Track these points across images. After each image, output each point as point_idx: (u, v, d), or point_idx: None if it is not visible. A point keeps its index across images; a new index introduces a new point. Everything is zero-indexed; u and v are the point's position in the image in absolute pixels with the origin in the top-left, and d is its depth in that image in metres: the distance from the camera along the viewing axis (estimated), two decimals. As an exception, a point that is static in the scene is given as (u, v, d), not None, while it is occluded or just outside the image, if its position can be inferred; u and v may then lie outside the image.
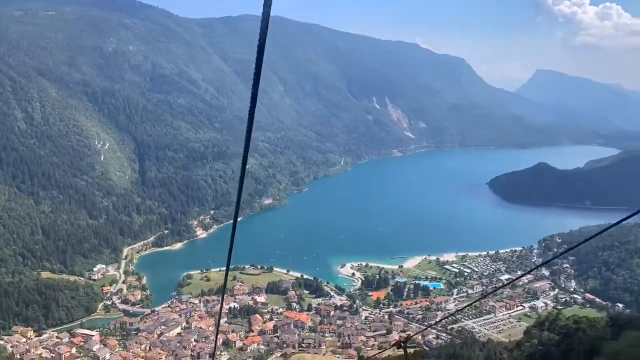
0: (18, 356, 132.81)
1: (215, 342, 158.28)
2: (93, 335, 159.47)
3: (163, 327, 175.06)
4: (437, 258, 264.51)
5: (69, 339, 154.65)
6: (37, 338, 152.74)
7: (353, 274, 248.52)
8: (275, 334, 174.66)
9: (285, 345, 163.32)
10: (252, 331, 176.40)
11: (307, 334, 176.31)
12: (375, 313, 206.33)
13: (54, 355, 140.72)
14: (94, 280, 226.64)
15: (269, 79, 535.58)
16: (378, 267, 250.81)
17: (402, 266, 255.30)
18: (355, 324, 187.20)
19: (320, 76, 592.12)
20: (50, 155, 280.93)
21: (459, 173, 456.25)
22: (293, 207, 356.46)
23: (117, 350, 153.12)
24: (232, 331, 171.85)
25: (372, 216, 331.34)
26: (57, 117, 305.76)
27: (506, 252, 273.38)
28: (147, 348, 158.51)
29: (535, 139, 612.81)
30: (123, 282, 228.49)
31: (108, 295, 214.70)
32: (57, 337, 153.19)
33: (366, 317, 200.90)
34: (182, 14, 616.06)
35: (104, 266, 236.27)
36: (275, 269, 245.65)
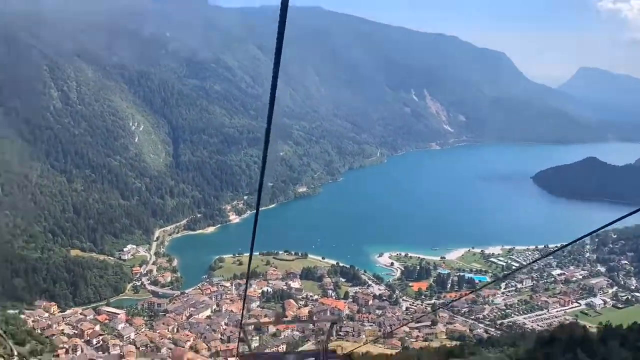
0: (39, 331, 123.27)
1: (241, 324, 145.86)
2: (119, 314, 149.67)
3: (192, 309, 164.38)
4: (481, 250, 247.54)
5: (93, 316, 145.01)
6: (60, 314, 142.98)
7: (392, 263, 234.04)
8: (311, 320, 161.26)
9: (321, 333, 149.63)
10: (286, 316, 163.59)
11: (345, 322, 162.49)
12: (417, 304, 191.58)
13: (76, 331, 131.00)
14: (124, 260, 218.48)
15: (304, 68, 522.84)
16: (418, 257, 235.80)
17: (444, 257, 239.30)
18: (397, 314, 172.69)
19: (357, 67, 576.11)
20: (84, 134, 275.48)
21: (501, 167, 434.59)
22: (328, 196, 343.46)
23: (143, 330, 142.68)
24: (265, 316, 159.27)
25: (410, 207, 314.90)
26: (93, 98, 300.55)
27: (556, 246, 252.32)
28: (175, 329, 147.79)
29: (579, 134, 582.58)
30: (153, 264, 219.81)
31: (137, 276, 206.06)
32: (81, 314, 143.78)
33: (407, 308, 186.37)
34: (220, 3, 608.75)
35: (134, 247, 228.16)
36: (310, 255, 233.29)
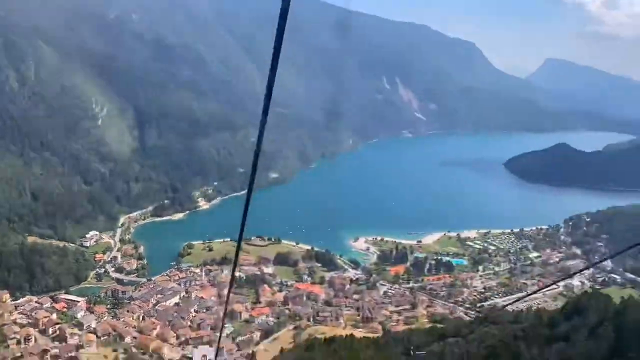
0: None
1: (224, 315, 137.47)
2: (78, 302, 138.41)
3: (159, 296, 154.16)
4: (457, 234, 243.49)
5: (50, 304, 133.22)
6: (13, 302, 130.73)
7: (368, 248, 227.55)
8: (286, 306, 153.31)
9: (298, 318, 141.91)
10: (260, 302, 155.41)
11: (322, 307, 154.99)
12: (395, 288, 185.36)
13: (30, 320, 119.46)
14: (86, 247, 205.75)
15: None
16: (394, 241, 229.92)
17: (420, 241, 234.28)
18: (376, 298, 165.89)
19: (329, 54, 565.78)
20: (43, 117, 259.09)
21: (473, 154, 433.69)
22: (301, 182, 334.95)
23: (105, 318, 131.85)
24: (237, 302, 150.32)
25: (384, 193, 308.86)
26: (53, 79, 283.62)
27: (531, 230, 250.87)
28: (141, 318, 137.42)
29: (549, 123, 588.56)
30: (118, 250, 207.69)
31: (101, 263, 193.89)
32: (36, 302, 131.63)
33: (385, 292, 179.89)
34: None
35: (97, 233, 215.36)
36: (283, 241, 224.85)
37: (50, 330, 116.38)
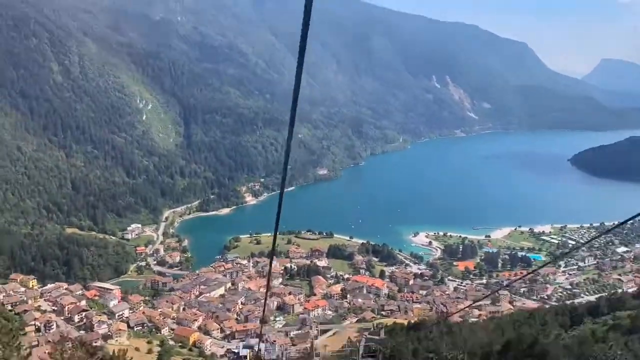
0: (9, 307, 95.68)
1: (264, 308, 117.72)
2: (112, 290, 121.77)
3: (203, 287, 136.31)
4: (530, 229, 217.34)
5: (81, 292, 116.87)
6: (40, 289, 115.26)
7: (430, 242, 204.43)
8: (345, 299, 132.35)
9: (359, 311, 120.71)
10: (315, 294, 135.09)
11: (386, 300, 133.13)
12: (466, 284, 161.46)
13: (55, 307, 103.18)
14: (127, 240, 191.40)
15: (322, 55, 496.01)
16: (459, 236, 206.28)
17: (489, 236, 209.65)
18: (447, 293, 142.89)
19: (376, 54, 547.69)
20: (86, 109, 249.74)
21: (535, 152, 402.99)
22: (350, 179, 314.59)
23: (141, 308, 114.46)
24: (290, 294, 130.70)
25: (441, 190, 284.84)
26: (97, 73, 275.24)
27: (613, 224, 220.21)
28: (181, 308, 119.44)
29: (611, 121, 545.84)
30: (161, 243, 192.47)
31: (142, 256, 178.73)
32: (66, 289, 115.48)
33: (455, 288, 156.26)
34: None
35: (139, 226, 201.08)
36: (335, 235, 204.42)
37: (76, 318, 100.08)
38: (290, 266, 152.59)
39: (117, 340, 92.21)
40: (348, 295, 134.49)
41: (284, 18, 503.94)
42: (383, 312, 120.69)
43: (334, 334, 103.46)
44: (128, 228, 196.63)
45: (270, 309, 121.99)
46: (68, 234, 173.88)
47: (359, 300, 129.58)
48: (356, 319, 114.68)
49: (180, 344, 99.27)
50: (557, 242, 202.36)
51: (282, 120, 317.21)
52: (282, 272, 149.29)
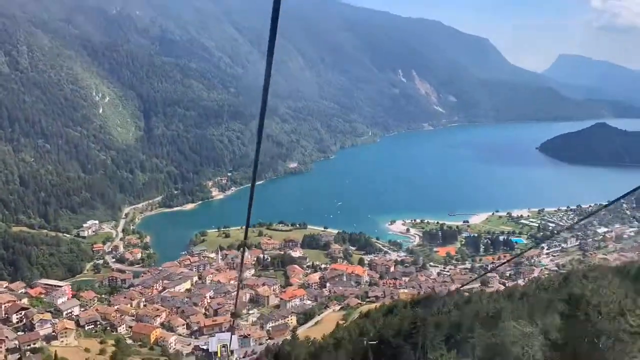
0: None
1: (237, 297, 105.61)
2: (61, 287, 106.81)
3: (166, 281, 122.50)
4: (508, 213, 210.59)
5: (24, 290, 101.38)
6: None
7: (407, 230, 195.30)
8: (324, 288, 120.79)
9: (342, 298, 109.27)
10: (291, 284, 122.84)
11: (369, 287, 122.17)
12: (449, 269, 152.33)
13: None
14: (83, 237, 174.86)
15: (287, 50, 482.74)
16: (437, 223, 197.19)
17: (467, 222, 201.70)
18: (433, 278, 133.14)
19: (341, 49, 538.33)
20: (36, 102, 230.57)
21: (502, 142, 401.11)
22: (321, 172, 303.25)
23: (94, 305, 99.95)
24: (263, 284, 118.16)
25: (413, 180, 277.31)
26: (48, 65, 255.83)
27: (591, 206, 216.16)
28: (141, 304, 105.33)
29: (573, 112, 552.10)
30: (120, 240, 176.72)
31: (100, 254, 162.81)
32: (5, 287, 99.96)
33: (439, 273, 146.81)
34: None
35: (96, 222, 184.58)
36: (309, 226, 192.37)
37: (15, 318, 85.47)
38: (263, 256, 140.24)
39: (62, 341, 77.93)
40: (327, 284, 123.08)
41: (247, 13, 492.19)
42: (369, 299, 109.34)
43: (315, 323, 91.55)
44: (84, 225, 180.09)
45: (243, 301, 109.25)
46: (14, 232, 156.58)
47: (340, 288, 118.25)
48: (339, 306, 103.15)
49: (139, 343, 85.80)
50: (537, 225, 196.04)
51: (248, 113, 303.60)
52: (254, 263, 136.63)
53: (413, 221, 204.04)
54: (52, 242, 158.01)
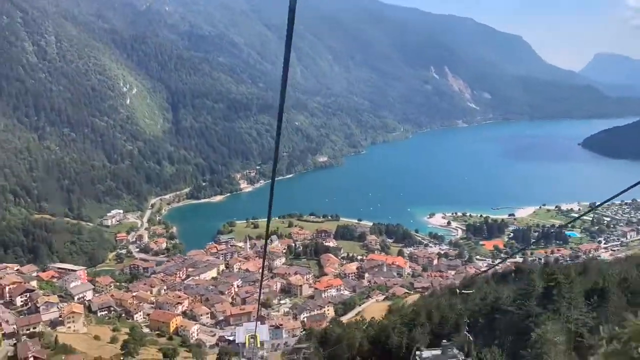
0: None
1: (260, 287, 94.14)
2: (75, 271, 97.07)
3: (191, 269, 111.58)
4: (556, 207, 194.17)
5: (35, 273, 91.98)
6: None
7: (448, 222, 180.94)
8: (362, 278, 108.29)
9: (386, 288, 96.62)
10: (326, 274, 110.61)
11: (414, 278, 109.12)
12: (498, 262, 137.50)
13: (-8, 288, 78.35)
14: (107, 226, 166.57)
15: (316, 47, 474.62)
16: (480, 216, 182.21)
17: (513, 215, 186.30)
18: (483, 271, 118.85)
19: (371, 46, 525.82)
20: (63, 91, 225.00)
21: (542, 139, 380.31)
22: (352, 166, 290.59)
23: (110, 290, 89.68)
24: (295, 273, 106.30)
25: (451, 175, 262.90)
26: (76, 55, 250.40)
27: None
28: (162, 291, 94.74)
29: (613, 109, 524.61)
30: (145, 229, 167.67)
31: (123, 244, 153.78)
32: (17, 270, 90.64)
33: (488, 266, 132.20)
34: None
35: (120, 212, 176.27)
36: (342, 218, 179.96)
37: (19, 301, 75.87)
38: (295, 245, 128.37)
39: (69, 327, 67.54)
40: (366, 274, 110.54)
41: (276, 10, 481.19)
42: (415, 289, 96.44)
43: (357, 314, 79.18)
44: (108, 214, 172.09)
45: (273, 290, 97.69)
46: (35, 219, 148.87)
47: (381, 278, 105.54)
48: (383, 296, 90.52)
49: (157, 332, 74.88)
50: (590, 218, 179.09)
51: (277, 106, 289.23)
52: (285, 251, 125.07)
53: (454, 214, 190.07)
54: (73, 230, 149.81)
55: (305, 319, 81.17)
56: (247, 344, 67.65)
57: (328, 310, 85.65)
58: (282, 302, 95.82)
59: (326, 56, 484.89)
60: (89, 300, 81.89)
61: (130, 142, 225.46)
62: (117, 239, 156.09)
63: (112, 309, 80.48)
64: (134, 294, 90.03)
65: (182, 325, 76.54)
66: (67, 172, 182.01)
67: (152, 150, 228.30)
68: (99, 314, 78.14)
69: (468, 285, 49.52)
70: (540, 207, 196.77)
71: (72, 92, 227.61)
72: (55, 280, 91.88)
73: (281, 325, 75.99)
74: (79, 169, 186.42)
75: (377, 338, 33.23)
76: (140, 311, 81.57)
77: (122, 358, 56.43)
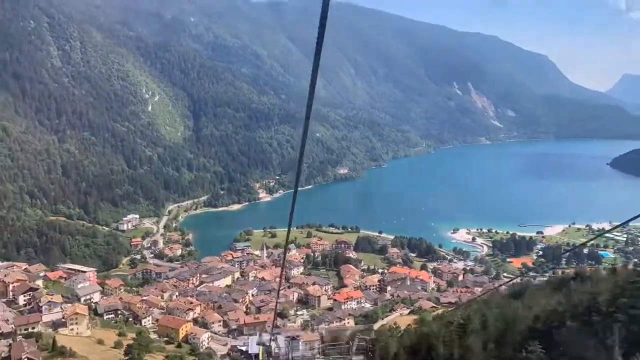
0: None
1: (277, 295, 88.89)
2: (85, 272, 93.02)
3: (204, 275, 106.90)
4: (587, 226, 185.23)
5: (43, 273, 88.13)
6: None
7: (473, 239, 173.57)
8: (384, 291, 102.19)
9: (410, 302, 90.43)
10: (345, 286, 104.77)
11: (439, 293, 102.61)
12: (526, 280, 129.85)
13: (-3, 287, 74.41)
14: (122, 231, 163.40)
15: (339, 61, 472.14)
16: (507, 233, 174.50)
17: (541, 232, 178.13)
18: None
19: (395, 61, 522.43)
20: (86, 95, 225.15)
21: (569, 158, 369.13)
22: (373, 180, 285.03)
23: (119, 293, 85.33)
24: (314, 284, 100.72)
25: (475, 192, 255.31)
26: (100, 61, 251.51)
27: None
28: (173, 297, 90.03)
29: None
30: (161, 235, 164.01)
31: (138, 249, 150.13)
32: (24, 270, 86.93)
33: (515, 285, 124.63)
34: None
35: (136, 217, 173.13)
36: (362, 230, 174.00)
37: (22, 300, 71.89)
38: (314, 254, 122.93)
39: (72, 329, 63.00)
40: (388, 287, 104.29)
41: (301, 25, 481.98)
42: (442, 304, 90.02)
43: (381, 327, 73.03)
44: (124, 219, 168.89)
45: (290, 300, 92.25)
46: (50, 221, 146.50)
47: (405, 292, 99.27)
48: (408, 310, 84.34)
49: (166, 339, 69.85)
50: (623, 238, 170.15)
51: (298, 117, 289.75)
52: (303, 260, 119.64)
53: (479, 230, 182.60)
54: (88, 233, 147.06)
55: (324, 331, 75.58)
56: (260, 356, 61.85)
57: (348, 322, 79.84)
58: (299, 312, 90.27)
59: (349, 70, 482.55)
60: (96, 302, 77.62)
61: (150, 148, 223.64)
62: (131, 244, 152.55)
63: (119, 312, 75.99)
64: (144, 298, 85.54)
65: (192, 333, 71.56)
66: (85, 175, 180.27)
67: (171, 156, 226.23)
68: (105, 317, 73.73)
69: (520, 292, 43.58)
70: (569, 226, 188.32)
71: (95, 97, 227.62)
72: (63, 281, 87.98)
73: (298, 337, 70.50)
74: (97, 172, 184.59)
75: (415, 347, 27.88)
76: (149, 316, 76.94)
77: (124, 364, 51.53)
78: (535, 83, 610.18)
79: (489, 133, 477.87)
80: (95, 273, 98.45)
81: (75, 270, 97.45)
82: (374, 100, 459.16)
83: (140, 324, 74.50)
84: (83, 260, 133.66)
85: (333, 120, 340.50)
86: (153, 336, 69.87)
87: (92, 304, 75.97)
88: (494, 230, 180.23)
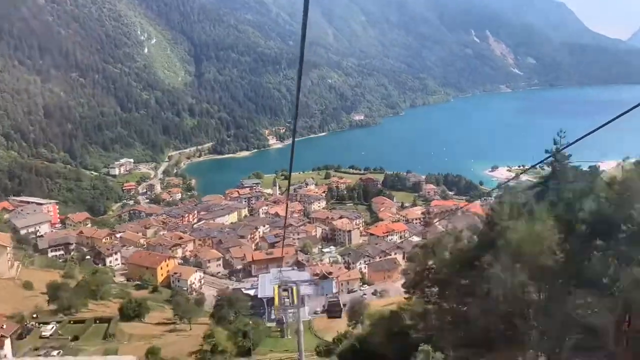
0: None
1: (284, 226, 65.09)
2: (42, 204, 70.13)
3: (203, 212, 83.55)
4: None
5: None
6: None
7: (517, 175, 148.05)
8: (428, 226, 78.57)
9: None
10: (381, 219, 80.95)
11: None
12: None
13: None
14: (113, 176, 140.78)
15: (349, 8, 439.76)
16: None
17: (597, 167, 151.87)
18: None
19: (408, 7, 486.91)
20: (73, 35, 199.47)
21: (598, 102, 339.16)
22: (391, 126, 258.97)
23: (85, 227, 62.33)
24: (341, 217, 76.97)
25: (507, 134, 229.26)
26: (89, 0, 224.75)
27: None
28: (157, 232, 67.05)
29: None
30: (159, 180, 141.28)
31: (131, 194, 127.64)
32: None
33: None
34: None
35: (130, 161, 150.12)
36: (388, 171, 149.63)
37: None
38: (337, 187, 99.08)
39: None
40: (434, 218, 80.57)
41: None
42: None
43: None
44: (115, 163, 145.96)
45: (312, 236, 68.82)
46: (25, 162, 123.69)
47: (460, 223, 75.32)
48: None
49: (137, 282, 46.73)
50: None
51: (308, 60, 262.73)
52: (324, 193, 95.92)
53: (521, 167, 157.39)
54: (70, 176, 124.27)
55: (365, 267, 52.43)
56: (276, 300, 34.73)
57: (396, 256, 56.78)
58: (325, 250, 67.06)
59: (359, 18, 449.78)
60: (39, 236, 55.07)
61: (147, 91, 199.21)
62: (124, 188, 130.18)
63: (72, 248, 53.45)
64: (119, 234, 62.65)
65: (176, 273, 48.74)
66: (71, 116, 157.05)
67: (170, 101, 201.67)
68: (50, 254, 51.21)
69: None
70: (624, 160, 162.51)
71: (83, 37, 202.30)
72: (7, 213, 65.39)
73: (330, 273, 47.18)
74: (85, 114, 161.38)
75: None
76: (115, 253, 54.22)
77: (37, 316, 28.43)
78: (554, 30, 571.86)
79: (509, 81, 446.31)
80: (56, 204, 75.68)
81: (31, 202, 74.91)
82: (387, 49, 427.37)
83: (104, 264, 51.83)
84: (64, 205, 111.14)
85: (345, 67, 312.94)
86: (119, 279, 46.92)
87: (33, 238, 53.21)
88: (538, 167, 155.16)
